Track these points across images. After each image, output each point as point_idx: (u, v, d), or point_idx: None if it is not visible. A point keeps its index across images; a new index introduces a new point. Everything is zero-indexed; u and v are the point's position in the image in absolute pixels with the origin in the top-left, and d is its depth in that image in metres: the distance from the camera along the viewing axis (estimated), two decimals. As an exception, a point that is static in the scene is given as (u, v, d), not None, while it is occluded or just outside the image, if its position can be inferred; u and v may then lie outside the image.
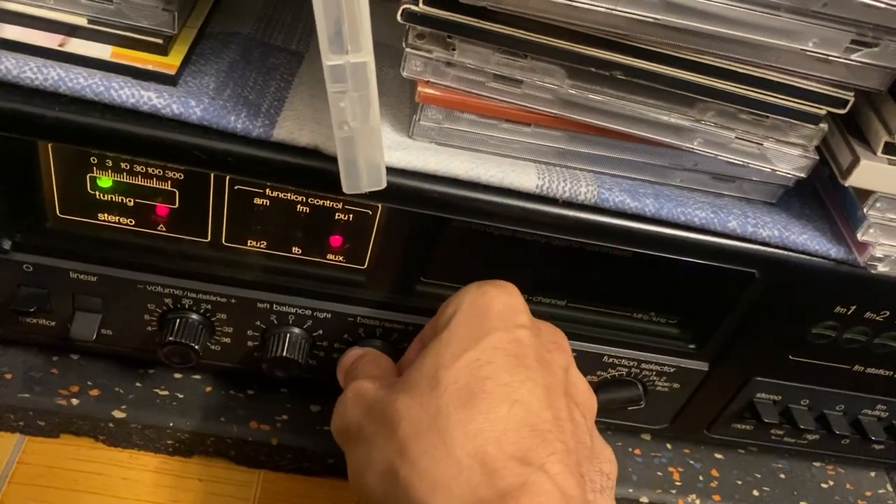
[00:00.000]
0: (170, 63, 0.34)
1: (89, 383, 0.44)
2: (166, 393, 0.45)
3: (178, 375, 0.46)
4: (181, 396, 0.45)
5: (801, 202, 0.39)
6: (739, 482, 0.50)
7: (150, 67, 0.34)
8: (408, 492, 0.28)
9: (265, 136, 0.34)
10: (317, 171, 0.34)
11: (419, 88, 0.33)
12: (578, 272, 0.41)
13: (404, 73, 0.33)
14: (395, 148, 0.35)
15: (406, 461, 0.29)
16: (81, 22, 0.34)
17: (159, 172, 0.36)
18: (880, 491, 0.52)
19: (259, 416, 0.45)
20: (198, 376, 0.46)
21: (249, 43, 0.38)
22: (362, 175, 0.31)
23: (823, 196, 0.40)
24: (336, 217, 0.38)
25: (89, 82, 0.33)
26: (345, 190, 0.32)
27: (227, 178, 0.36)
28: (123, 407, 0.43)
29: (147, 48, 0.34)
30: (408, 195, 0.35)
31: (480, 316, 0.33)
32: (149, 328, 0.41)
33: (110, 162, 0.36)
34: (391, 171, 0.34)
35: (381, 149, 0.31)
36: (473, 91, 0.33)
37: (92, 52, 0.34)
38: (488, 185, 0.35)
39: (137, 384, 0.45)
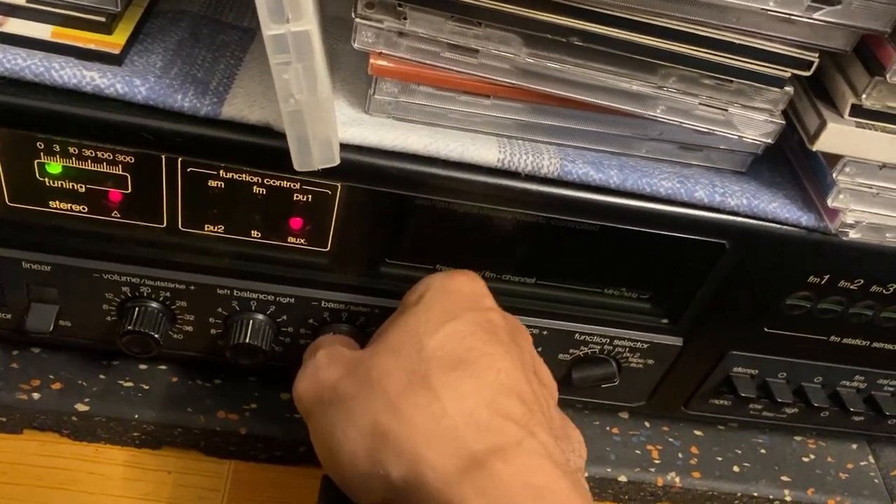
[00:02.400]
0: (114, 42, 0.33)
1: (51, 377, 0.43)
2: (131, 384, 0.44)
3: (143, 366, 0.45)
4: (146, 388, 0.44)
5: (772, 170, 0.39)
6: (720, 458, 0.49)
7: (92, 47, 0.33)
8: (399, 444, 0.28)
9: (213, 114, 0.32)
10: (269, 149, 0.33)
11: (371, 61, 0.32)
12: (547, 248, 0.40)
13: (355, 45, 0.32)
14: (350, 124, 0.34)
15: (396, 416, 0.29)
16: (20, 1, 0.32)
17: (109, 156, 0.35)
18: (862, 463, 0.51)
19: (227, 405, 0.44)
20: (163, 367, 0.45)
21: (199, 21, 0.37)
22: (313, 151, 0.30)
23: (794, 163, 0.39)
24: (294, 198, 0.37)
25: (28, 63, 0.31)
26: (296, 167, 0.31)
27: (179, 160, 0.35)
28: (87, 400, 0.42)
29: (90, 27, 0.33)
30: (365, 172, 0.34)
31: (452, 296, 0.33)
32: (108, 318, 0.40)
33: (58, 147, 0.35)
34: (347, 147, 0.33)
35: (332, 123, 0.30)
36: (428, 62, 0.32)
37: (32, 32, 0.32)
38: (448, 161, 0.34)
39: (101, 376, 0.44)
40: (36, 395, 0.42)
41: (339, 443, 0.30)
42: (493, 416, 0.29)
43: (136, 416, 0.43)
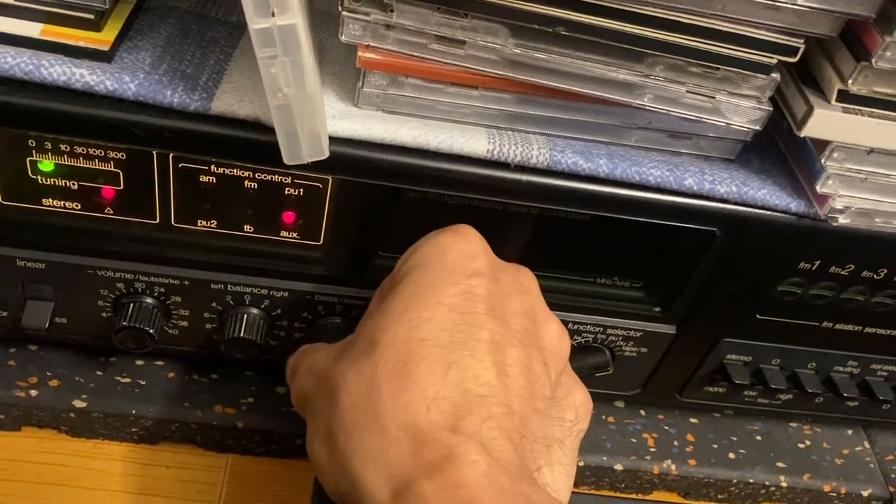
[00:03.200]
0: (103, 39, 0.33)
1: (48, 374, 0.43)
2: (128, 380, 0.44)
3: (139, 362, 0.45)
4: (143, 383, 0.44)
5: (762, 158, 0.39)
6: (715, 446, 0.49)
7: (81, 44, 0.33)
8: (343, 462, 0.28)
9: (203, 109, 0.33)
10: (259, 143, 0.33)
11: (359, 53, 0.32)
12: (538, 238, 0.40)
13: (343, 38, 0.32)
14: (339, 117, 0.34)
15: (342, 432, 0.28)
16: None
17: (101, 153, 0.35)
18: (857, 448, 0.52)
19: (224, 399, 0.44)
20: (160, 362, 0.45)
21: (188, 17, 0.37)
22: (302, 145, 0.30)
23: (784, 150, 0.39)
24: (286, 192, 0.37)
25: (17, 61, 0.32)
26: (285, 161, 0.31)
27: (171, 155, 0.35)
28: (84, 396, 0.43)
29: (79, 24, 0.33)
30: (355, 165, 0.34)
31: (431, 270, 0.32)
32: (104, 314, 0.40)
33: (50, 145, 0.35)
34: (336, 140, 0.34)
35: (321, 116, 0.31)
36: (415, 54, 0.32)
37: (21, 30, 0.33)
38: (438, 152, 0.34)
39: (98, 373, 0.44)
40: (34, 392, 0.42)
41: (311, 450, 0.30)
42: (429, 428, 0.27)
43: (134, 412, 0.43)
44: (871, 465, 0.51)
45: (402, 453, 0.27)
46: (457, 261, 0.32)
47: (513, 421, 0.28)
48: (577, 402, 0.33)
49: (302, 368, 0.34)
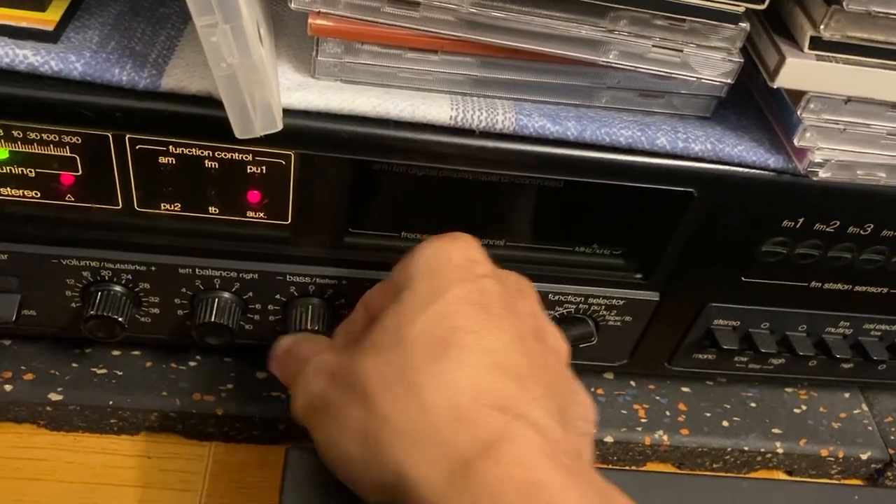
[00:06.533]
0: (48, 19, 0.32)
1: (23, 367, 0.42)
2: (104, 371, 0.43)
3: (116, 353, 0.44)
4: (120, 374, 0.43)
5: (739, 115, 0.37)
6: (708, 414, 0.48)
7: (24, 25, 0.32)
8: (383, 450, 0.27)
9: (153, 86, 0.32)
10: (213, 119, 0.32)
11: (310, 20, 0.31)
12: (513, 209, 0.39)
13: (292, 6, 0.31)
14: (295, 88, 0.33)
15: (378, 420, 0.27)
16: (-52, -18, 0.32)
17: (56, 138, 0.34)
18: (855, 412, 0.51)
19: (202, 387, 0.44)
20: (136, 352, 0.44)
21: (140, -6, 0.36)
22: (254, 117, 0.29)
23: (762, 105, 0.38)
24: (249, 170, 0.36)
25: (-42, 44, 0.31)
26: (237, 134, 0.30)
27: (127, 137, 0.34)
28: (60, 389, 0.42)
29: (21, 5, 0.32)
30: (314, 138, 0.33)
31: (439, 271, 0.31)
32: (73, 304, 0.40)
33: (1, 132, 0.34)
34: (293, 113, 0.33)
35: (271, 87, 0.29)
36: (368, 18, 0.31)
37: (-38, 13, 0.32)
38: (399, 121, 0.33)
39: (74, 364, 0.43)
40: (8, 387, 0.41)
41: (334, 452, 0.29)
42: (478, 407, 0.27)
43: (111, 403, 0.42)
44: (870, 428, 0.50)
45: (452, 434, 0.26)
46: (462, 262, 0.32)
47: (552, 403, 0.28)
48: (586, 402, 0.33)
49: (307, 371, 0.32)
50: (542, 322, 0.33)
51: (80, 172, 0.35)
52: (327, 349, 0.33)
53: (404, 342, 0.29)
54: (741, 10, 0.31)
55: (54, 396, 0.42)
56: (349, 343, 0.33)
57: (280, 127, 0.30)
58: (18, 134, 0.34)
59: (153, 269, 0.38)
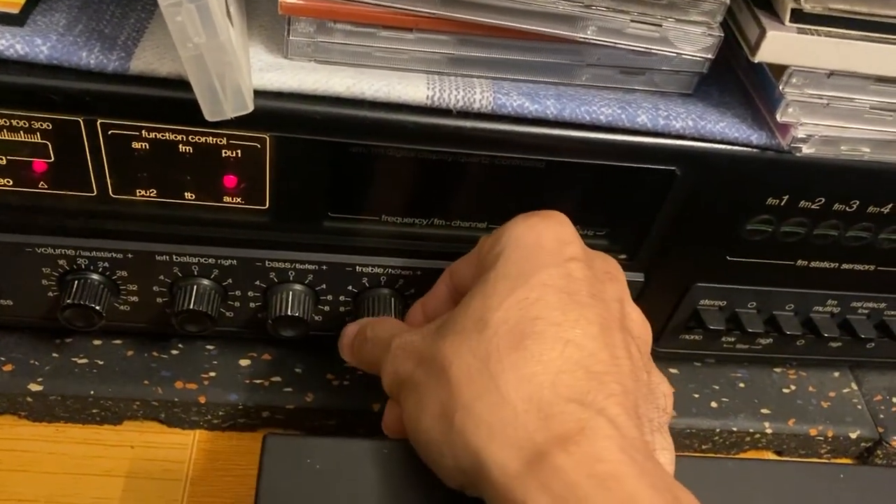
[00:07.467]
0: (14, 2, 0.32)
1: (2, 358, 0.42)
2: (85, 361, 0.43)
3: (97, 342, 0.44)
4: (101, 363, 0.43)
5: (722, 91, 0.37)
6: (696, 395, 0.48)
7: (-11, 8, 0.31)
8: (464, 436, 0.27)
9: (122, 69, 0.31)
10: (184, 102, 0.31)
11: (280, -1, 0.31)
12: (495, 190, 0.39)
13: (261, -15, 0.30)
14: (267, 69, 0.32)
15: (460, 406, 0.28)
16: (-90, -34, 0.31)
17: (25, 124, 0.33)
18: (845, 390, 0.50)
19: (185, 375, 0.43)
20: (118, 341, 0.44)
21: (109, -25, 0.35)
22: (223, 99, 0.29)
23: (745, 82, 0.37)
24: (224, 154, 0.35)
25: (-80, 29, 0.30)
26: (207, 117, 0.29)
27: (98, 122, 0.33)
28: (40, 379, 0.41)
29: (-14, -13, 0.32)
30: (288, 120, 0.33)
31: (529, 252, 0.31)
32: (50, 293, 0.39)
33: (-30, 118, 0.33)
34: (266, 94, 0.32)
35: (240, 68, 0.29)
36: (340, -3, 0.31)
37: (-75, -3, 0.31)
38: (375, 102, 0.33)
39: (54, 355, 0.43)
40: (-13, 378, 0.41)
41: (416, 430, 0.30)
42: (556, 400, 0.27)
43: (93, 393, 0.42)
44: (859, 407, 0.49)
45: (530, 424, 0.27)
46: (552, 244, 0.31)
47: (630, 399, 0.28)
48: (665, 390, 0.33)
49: (394, 351, 0.33)
50: (629, 308, 0.33)
51: (53, 159, 0.35)
52: (408, 330, 0.34)
53: (487, 329, 0.29)
54: (720, -18, 0.31)
55: (34, 387, 0.41)
56: (429, 318, 0.35)
57: (251, 108, 0.30)
58: (-13, 120, 0.33)
59: (130, 256, 0.38)
